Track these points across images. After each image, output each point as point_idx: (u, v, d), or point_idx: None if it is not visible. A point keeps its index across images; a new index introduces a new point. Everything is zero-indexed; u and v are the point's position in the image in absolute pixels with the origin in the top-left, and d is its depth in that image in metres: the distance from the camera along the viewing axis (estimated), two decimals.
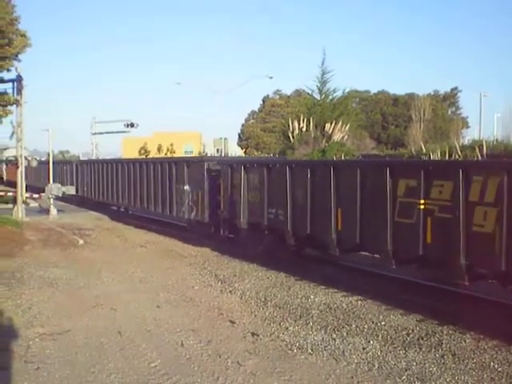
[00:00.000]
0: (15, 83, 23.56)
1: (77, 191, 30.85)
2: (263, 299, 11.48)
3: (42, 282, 12.84)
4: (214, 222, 17.59)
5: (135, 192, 23.81)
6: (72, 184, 31.93)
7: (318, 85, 35.37)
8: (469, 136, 45.46)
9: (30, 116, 69.35)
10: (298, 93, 63.15)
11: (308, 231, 13.04)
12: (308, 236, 13.25)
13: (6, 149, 27.97)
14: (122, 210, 28.40)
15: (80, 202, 32.26)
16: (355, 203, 11.47)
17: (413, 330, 9.35)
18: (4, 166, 52.20)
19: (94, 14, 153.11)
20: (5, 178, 50.21)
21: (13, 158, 31.65)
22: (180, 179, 19.50)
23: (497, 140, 24.42)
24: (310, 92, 37.52)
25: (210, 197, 17.64)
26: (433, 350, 8.42)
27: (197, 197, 18.20)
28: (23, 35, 20.69)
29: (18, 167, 25.16)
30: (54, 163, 33.35)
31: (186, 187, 18.92)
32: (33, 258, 15.78)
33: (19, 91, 23.84)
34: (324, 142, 30.36)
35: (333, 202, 12.07)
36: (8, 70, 21.74)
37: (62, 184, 30.73)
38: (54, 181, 31.25)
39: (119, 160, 32.73)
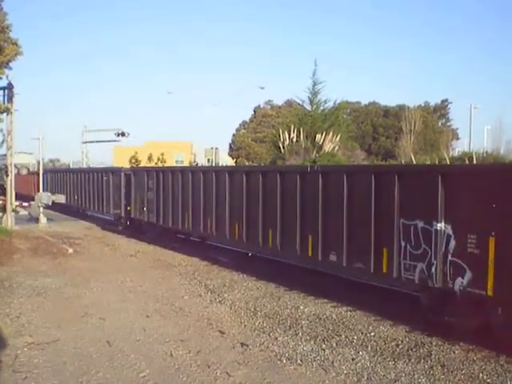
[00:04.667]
0: (6, 91, 23.59)
1: (127, 213, 23.82)
2: (253, 309, 11.46)
3: (31, 290, 12.75)
4: None
5: (277, 224, 13.93)
6: (119, 203, 24.62)
7: (309, 96, 35.76)
8: (459, 148, 46.03)
9: (21, 124, 69.02)
10: (289, 103, 63.53)
11: None
12: None
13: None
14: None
15: (138, 229, 23.18)
16: None
17: (402, 341, 9.38)
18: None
19: (85, 23, 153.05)
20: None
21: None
22: (414, 208, 10.18)
23: (486, 152, 24.69)
24: (301, 103, 37.95)
25: None
26: (422, 361, 8.44)
27: (478, 247, 8.95)
28: (15, 43, 20.69)
29: (8, 175, 25.07)
30: (87, 172, 30.93)
31: (441, 225, 9.59)
32: (22, 267, 15.68)
33: (10, 99, 23.85)
34: (314, 152, 30.57)
35: None
36: None
37: (104, 202, 26.85)
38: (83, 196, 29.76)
39: (229, 168, 20.82)
